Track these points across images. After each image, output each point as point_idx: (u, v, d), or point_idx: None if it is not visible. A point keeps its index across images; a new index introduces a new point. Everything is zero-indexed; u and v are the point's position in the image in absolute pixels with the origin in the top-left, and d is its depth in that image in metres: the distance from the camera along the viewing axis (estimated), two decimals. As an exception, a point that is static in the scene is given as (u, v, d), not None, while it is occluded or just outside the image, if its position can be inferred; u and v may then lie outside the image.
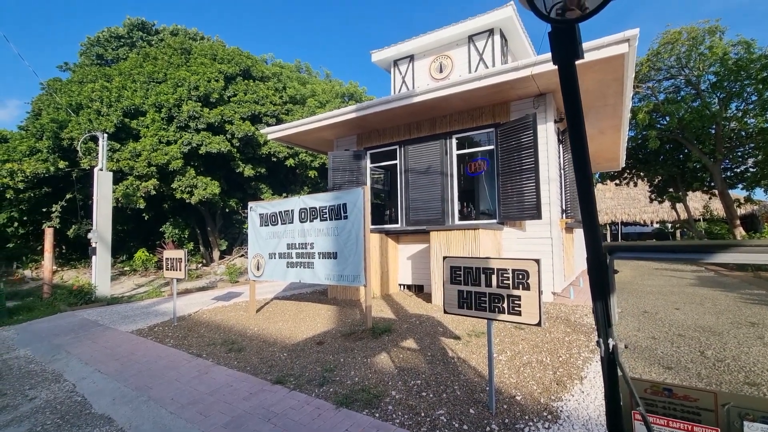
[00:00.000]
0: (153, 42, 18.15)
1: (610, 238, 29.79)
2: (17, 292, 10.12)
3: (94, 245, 8.65)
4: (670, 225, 26.59)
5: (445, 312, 2.82)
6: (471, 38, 9.00)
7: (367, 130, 8.42)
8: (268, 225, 5.65)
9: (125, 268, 13.10)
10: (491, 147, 6.88)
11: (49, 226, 10.33)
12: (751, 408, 0.95)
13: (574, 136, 0.82)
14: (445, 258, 2.88)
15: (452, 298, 2.80)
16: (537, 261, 2.44)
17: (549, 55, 5.49)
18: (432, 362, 3.51)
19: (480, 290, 2.67)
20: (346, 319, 5.25)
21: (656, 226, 28.11)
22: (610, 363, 0.87)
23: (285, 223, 5.39)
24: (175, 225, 14.64)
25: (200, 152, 11.22)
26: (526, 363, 3.43)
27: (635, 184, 20.13)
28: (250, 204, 6.04)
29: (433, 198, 7.35)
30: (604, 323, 0.86)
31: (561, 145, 7.08)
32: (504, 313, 2.54)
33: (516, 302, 2.49)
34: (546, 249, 6.25)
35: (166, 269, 5.62)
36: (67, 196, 11.66)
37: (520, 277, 2.48)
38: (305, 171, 15.18)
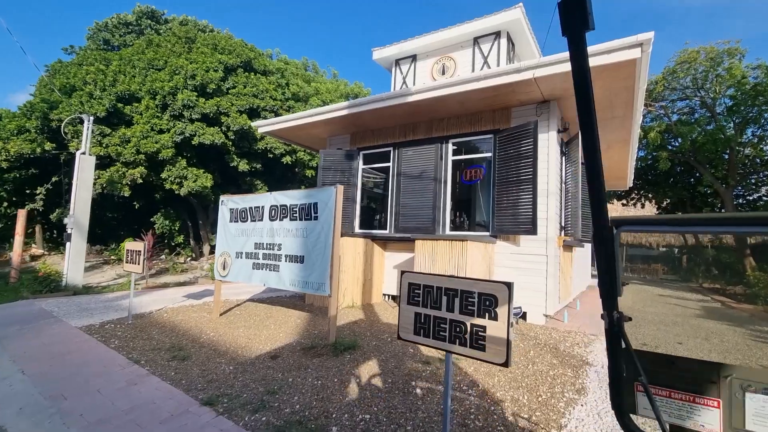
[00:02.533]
0: (161, 31, 17.98)
1: (614, 259, 29.02)
2: (-7, 274, 9.77)
3: (69, 231, 8.28)
4: (677, 250, 25.88)
5: (399, 338, 2.35)
6: (476, 40, 8.59)
7: (360, 130, 8.01)
8: (237, 221, 5.22)
9: (111, 257, 12.75)
10: (489, 154, 6.43)
11: (31, 209, 10.01)
12: (754, 380, 0.94)
13: (582, 109, 0.77)
14: (403, 273, 2.41)
15: (408, 322, 2.34)
16: (508, 285, 1.97)
17: (553, 57, 5.05)
18: (391, 392, 3.04)
19: (440, 315, 2.21)
20: (312, 330, 4.79)
21: (663, 249, 27.38)
22: (614, 335, 0.86)
23: (255, 221, 4.96)
24: (165, 216, 14.30)
25: (193, 143, 10.88)
26: (498, 401, 2.95)
27: (642, 206, 19.54)
28: (222, 198, 5.62)
29: (425, 205, 6.90)
30: (610, 295, 0.85)
31: (563, 158, 6.61)
32: (465, 345, 2.07)
33: (480, 334, 2.02)
34: (540, 267, 5.76)
35: (126, 262, 5.21)
36: (53, 179, 11.37)
37: (487, 303, 2.02)
38: (303, 170, 14.81)
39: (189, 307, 6.20)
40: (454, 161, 6.96)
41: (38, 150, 10.04)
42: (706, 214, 1.01)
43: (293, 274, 4.41)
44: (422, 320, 2.29)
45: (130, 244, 5.26)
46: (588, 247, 10.66)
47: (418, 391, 3.06)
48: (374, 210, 8.70)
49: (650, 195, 18.68)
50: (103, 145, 10.12)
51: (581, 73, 0.75)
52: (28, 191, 12.12)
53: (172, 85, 10.54)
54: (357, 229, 7.93)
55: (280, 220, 4.62)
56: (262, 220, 4.85)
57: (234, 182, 14.16)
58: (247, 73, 12.72)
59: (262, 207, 4.88)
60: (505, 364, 1.91)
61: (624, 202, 20.02)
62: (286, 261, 4.49)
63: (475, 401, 2.92)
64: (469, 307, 2.09)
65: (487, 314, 2.01)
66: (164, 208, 14.28)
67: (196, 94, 10.81)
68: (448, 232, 6.76)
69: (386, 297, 7.33)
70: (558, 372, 3.63)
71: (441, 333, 2.19)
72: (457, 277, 2.20)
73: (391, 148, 7.54)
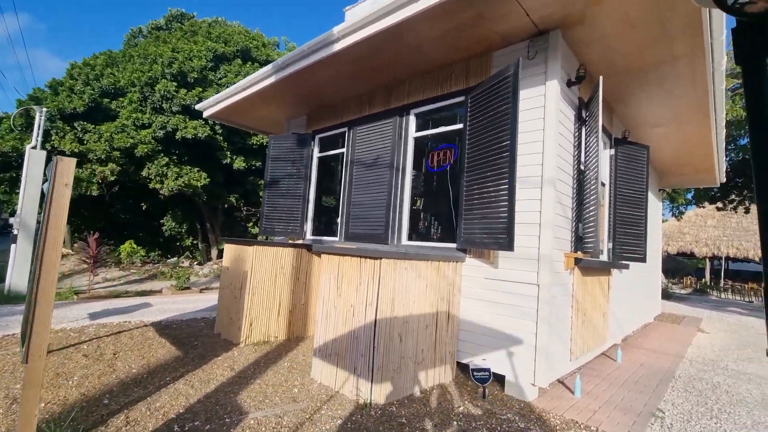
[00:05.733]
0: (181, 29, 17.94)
1: (710, 274, 23.66)
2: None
3: (15, 232, 7.59)
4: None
5: None
6: None
7: (315, 107, 6.24)
8: None
9: (109, 260, 12.42)
10: (461, 126, 4.27)
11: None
12: None
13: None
14: None
15: None
16: None
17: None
18: None
19: None
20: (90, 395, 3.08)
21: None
22: None
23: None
24: (173, 218, 13.78)
25: (177, 137, 9.96)
26: None
27: (747, 210, 15.06)
28: None
29: (377, 203, 4.91)
30: None
31: (581, 127, 4.19)
32: None
33: None
34: (527, 305, 3.49)
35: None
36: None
37: None
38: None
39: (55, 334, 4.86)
40: (417, 140, 4.88)
41: (20, 147, 9.87)
42: None
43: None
44: None
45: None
46: (649, 262, 7.70)
47: None
48: (333, 210, 6.84)
49: (758, 196, 14.28)
50: (84, 142, 9.61)
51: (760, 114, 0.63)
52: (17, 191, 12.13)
53: (150, 75, 9.73)
54: (309, 235, 6.16)
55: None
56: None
57: (237, 182, 13.18)
58: (244, 63, 11.63)
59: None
60: None
61: (719, 205, 15.64)
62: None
63: None
64: None
65: None
66: (172, 210, 13.77)
67: (175, 84, 9.90)
68: (405, 242, 4.69)
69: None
70: None
71: None
72: None
73: (345, 129, 5.66)
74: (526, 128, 3.67)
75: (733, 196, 14.84)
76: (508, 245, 3.30)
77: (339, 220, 5.54)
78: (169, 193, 9.85)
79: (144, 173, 9.81)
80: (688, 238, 22.51)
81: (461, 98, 4.26)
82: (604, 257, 5.09)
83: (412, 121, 4.82)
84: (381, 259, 3.09)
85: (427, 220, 5.21)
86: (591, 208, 3.85)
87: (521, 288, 3.54)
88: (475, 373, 3.45)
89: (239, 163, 11.55)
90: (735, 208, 15.05)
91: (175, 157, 10.65)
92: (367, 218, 5.03)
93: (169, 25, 18.68)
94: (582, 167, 4.12)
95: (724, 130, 6.38)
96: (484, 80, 3.88)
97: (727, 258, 22.10)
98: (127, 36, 18.94)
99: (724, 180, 10.76)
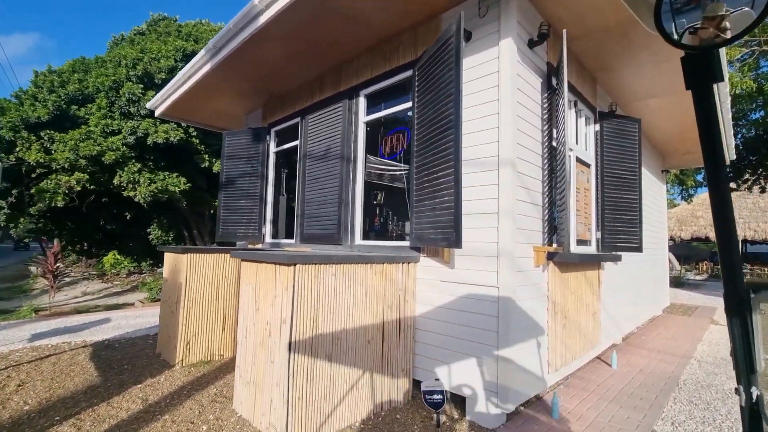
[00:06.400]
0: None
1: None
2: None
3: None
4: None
5: None
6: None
7: (269, 97, 5.69)
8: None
9: (92, 272, 12.07)
10: (410, 104, 3.67)
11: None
12: None
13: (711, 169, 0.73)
14: None
15: None
16: None
17: None
18: None
19: None
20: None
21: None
22: (753, 414, 0.75)
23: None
24: (159, 226, 13.40)
25: (148, 142, 9.50)
26: None
27: (762, 190, 14.11)
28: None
29: (330, 200, 4.34)
30: (745, 368, 0.76)
31: (553, 97, 3.55)
32: None
33: None
34: (488, 312, 2.90)
35: None
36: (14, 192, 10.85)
37: None
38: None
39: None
40: (369, 125, 4.30)
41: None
42: None
43: None
44: None
45: None
46: (653, 246, 7.00)
47: None
48: (293, 211, 6.28)
49: (774, 174, 13.34)
50: (51, 152, 9.22)
51: (708, 129, 0.72)
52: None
53: (115, 79, 9.29)
54: (268, 238, 5.62)
55: None
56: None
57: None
58: (218, 61, 11.12)
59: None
60: None
61: (733, 185, 14.67)
62: None
63: None
64: None
65: None
66: (158, 218, 13.39)
67: (141, 86, 9.45)
68: (359, 241, 4.12)
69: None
70: None
71: None
72: None
73: (299, 119, 5.10)
74: (477, 100, 3.06)
75: (747, 176, 13.92)
76: (456, 241, 2.70)
77: (295, 220, 4.99)
78: (144, 200, 9.42)
79: (116, 181, 9.39)
80: (702, 222, 21.44)
81: (408, 72, 3.67)
82: (591, 248, 4.45)
83: (362, 103, 4.23)
84: (295, 265, 2.53)
85: (383, 215, 4.62)
86: (561, 191, 3.22)
87: (480, 291, 2.94)
88: (427, 397, 2.87)
89: (218, 167, 11.07)
90: (750, 188, 14.12)
91: (150, 163, 10.20)
92: (320, 217, 4.47)
93: (150, 29, 18.36)
94: (554, 144, 3.50)
95: (729, 98, 5.65)
96: (428, 48, 3.28)
97: (745, 241, 20.98)
98: (110, 43, 18.62)
99: (734, 157, 9.96)
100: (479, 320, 2.93)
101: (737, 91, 10.85)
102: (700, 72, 0.69)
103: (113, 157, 8.84)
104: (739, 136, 13.23)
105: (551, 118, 3.51)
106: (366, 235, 4.24)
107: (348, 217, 4.16)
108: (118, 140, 9.25)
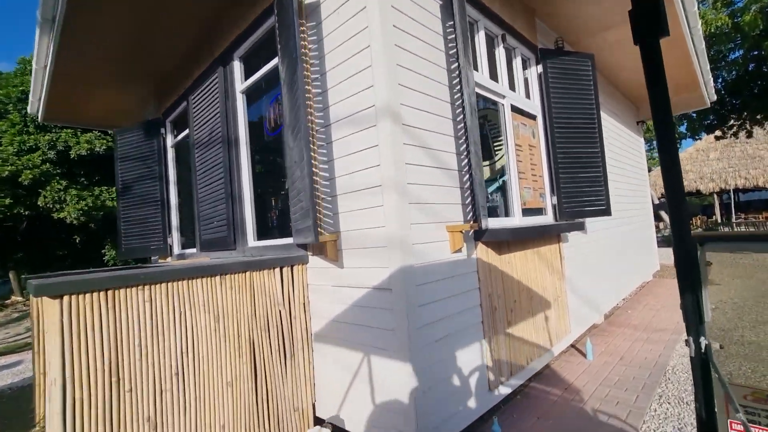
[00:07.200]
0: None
1: (720, 210, 21.85)
2: None
3: None
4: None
5: None
6: None
7: (157, 83, 4.77)
8: None
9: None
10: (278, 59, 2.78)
11: None
12: None
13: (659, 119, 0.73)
14: None
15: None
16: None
17: None
18: None
19: None
20: None
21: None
22: (703, 364, 0.79)
23: None
24: (113, 247, 12.46)
25: (72, 156, 8.54)
26: None
27: (749, 134, 13.36)
28: None
29: (217, 195, 3.48)
30: (695, 320, 0.78)
31: (461, 24, 2.67)
32: None
33: None
34: (384, 324, 2.06)
35: None
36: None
37: None
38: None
39: None
40: (248, 96, 3.41)
41: None
42: None
43: None
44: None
45: None
46: (634, 206, 6.21)
47: None
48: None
49: (759, 116, 12.56)
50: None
51: (655, 81, 0.77)
52: None
53: (24, 89, 8.29)
54: (176, 249, 4.76)
55: None
56: None
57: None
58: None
59: None
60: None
61: (718, 133, 13.88)
62: None
63: None
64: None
65: None
66: (111, 239, 12.45)
67: (54, 93, 8.47)
68: (252, 242, 3.27)
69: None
70: None
71: None
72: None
73: (185, 103, 4.20)
74: (343, 35, 2.19)
75: (731, 121, 13.15)
76: (313, 231, 1.86)
77: (195, 224, 4.12)
78: (76, 220, 8.51)
79: (40, 202, 8.45)
80: (691, 176, 20.77)
81: (271, 20, 2.77)
82: (548, 218, 3.63)
83: (238, 68, 3.34)
84: (62, 297, 1.67)
85: (280, 207, 3.75)
86: (469, 157, 2.37)
87: (372, 297, 2.11)
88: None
89: (163, 174, 10.13)
90: (736, 134, 13.37)
91: (82, 179, 9.25)
92: (212, 217, 3.61)
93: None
94: (460, 89, 2.62)
95: (700, 30, 4.80)
96: (277, -31, 2.39)
97: (736, 190, 20.32)
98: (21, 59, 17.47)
99: (715, 98, 9.12)
100: (376, 337, 2.11)
101: (713, 30, 10.01)
102: (646, 26, 0.74)
103: (30, 176, 7.89)
104: (720, 79, 12.42)
105: (459, 54, 2.63)
106: (266, 233, 3.39)
107: (238, 215, 3.30)
108: (37, 157, 8.28)
